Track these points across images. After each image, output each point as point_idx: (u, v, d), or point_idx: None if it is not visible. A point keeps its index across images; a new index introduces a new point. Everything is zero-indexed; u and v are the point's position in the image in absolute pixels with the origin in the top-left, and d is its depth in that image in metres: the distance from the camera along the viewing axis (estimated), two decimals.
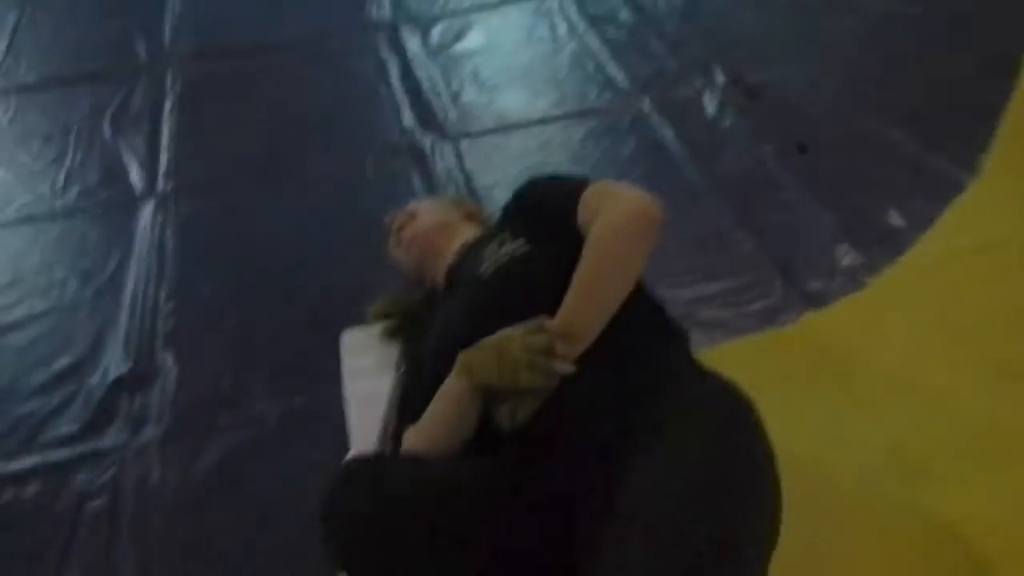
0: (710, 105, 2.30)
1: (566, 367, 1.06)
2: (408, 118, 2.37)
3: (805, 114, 2.25)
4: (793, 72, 2.41)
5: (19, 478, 1.54)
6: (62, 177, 2.26)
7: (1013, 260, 1.76)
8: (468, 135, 2.28)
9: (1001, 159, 2.04)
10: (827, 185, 2.01)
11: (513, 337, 1.08)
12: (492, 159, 2.20)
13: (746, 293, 1.76)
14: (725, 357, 1.63)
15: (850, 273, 1.78)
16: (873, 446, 1.41)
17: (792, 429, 1.15)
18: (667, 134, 2.21)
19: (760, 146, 2.15)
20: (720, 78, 2.38)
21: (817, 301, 1.73)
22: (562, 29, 2.68)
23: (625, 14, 2.71)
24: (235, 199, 2.18)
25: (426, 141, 2.27)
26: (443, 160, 2.20)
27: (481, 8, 2.84)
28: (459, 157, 2.20)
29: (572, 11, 2.74)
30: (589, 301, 1.11)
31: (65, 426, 1.62)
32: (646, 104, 2.32)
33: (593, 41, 2.60)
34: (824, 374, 1.58)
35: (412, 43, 2.69)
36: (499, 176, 2.11)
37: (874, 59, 2.45)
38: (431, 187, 2.11)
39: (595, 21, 2.68)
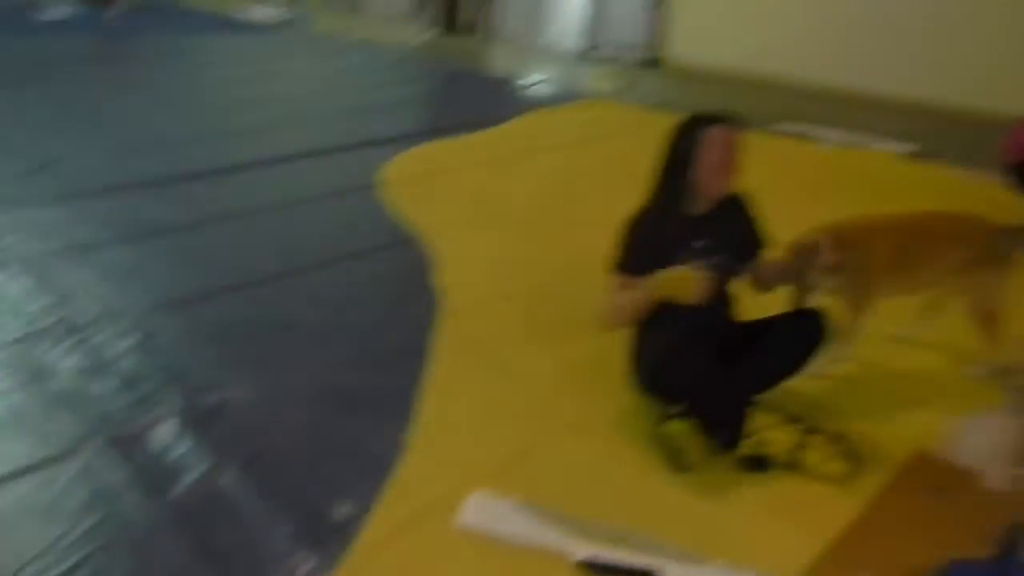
0: (166, 435, 2.30)
1: None
2: None
3: (264, 424, 2.38)
4: (251, 385, 2.56)
5: None
6: None
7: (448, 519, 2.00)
8: None
9: (423, 433, 2.37)
10: (284, 493, 2.10)
11: None
12: None
13: None
14: None
15: None
16: None
17: None
18: (118, 476, 2.13)
19: (220, 466, 2.18)
20: (177, 405, 2.43)
21: None
22: (3, 385, 2.52)
23: (70, 362, 2.65)
24: None
25: None
26: None
27: None
28: None
29: (11, 362, 2.62)
30: None
31: None
32: (94, 448, 2.23)
33: (34, 393, 2.48)
34: None
35: None
36: None
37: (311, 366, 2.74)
38: None
39: (36, 375, 2.58)
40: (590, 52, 9.55)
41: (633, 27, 9.24)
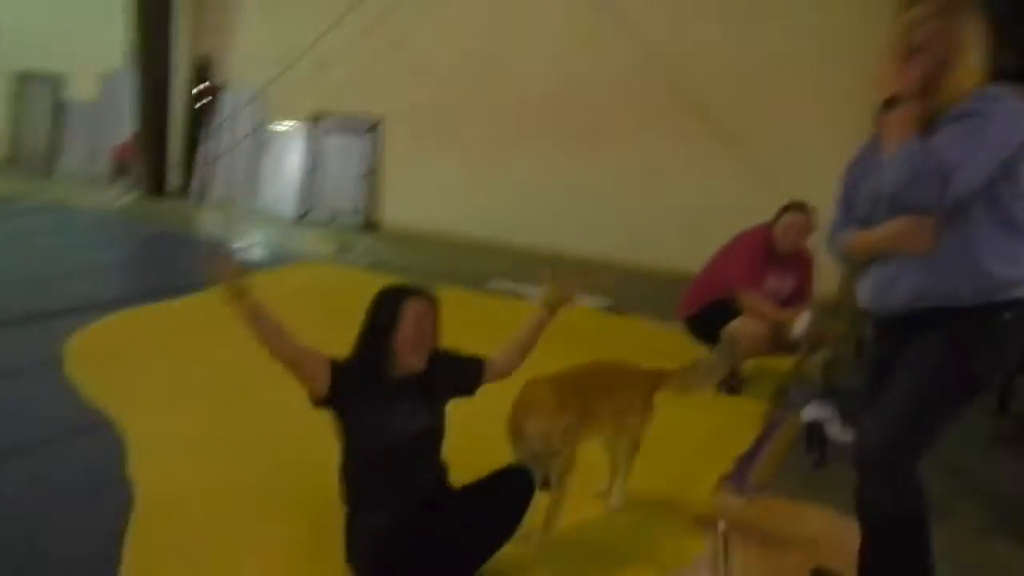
0: None
1: None
2: None
3: None
4: None
5: None
6: None
7: None
8: None
9: None
10: None
11: None
12: None
13: None
14: None
15: None
16: None
17: None
18: None
19: None
20: None
21: None
22: None
23: None
24: None
25: None
26: None
27: None
28: None
29: None
30: None
31: None
32: None
33: None
34: None
35: None
36: None
37: None
38: None
39: None
40: (306, 216, 9.56)
41: (348, 192, 9.42)
